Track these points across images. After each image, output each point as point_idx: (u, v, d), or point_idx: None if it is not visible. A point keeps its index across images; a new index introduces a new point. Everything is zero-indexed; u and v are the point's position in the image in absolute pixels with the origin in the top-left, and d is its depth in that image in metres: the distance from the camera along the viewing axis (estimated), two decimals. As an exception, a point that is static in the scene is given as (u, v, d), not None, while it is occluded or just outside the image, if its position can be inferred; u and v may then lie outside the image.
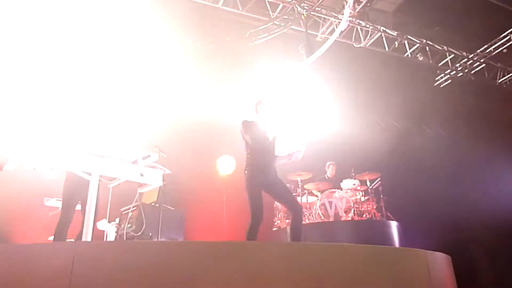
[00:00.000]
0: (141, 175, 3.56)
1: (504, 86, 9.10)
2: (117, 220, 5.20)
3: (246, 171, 4.07)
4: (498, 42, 8.27)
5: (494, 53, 8.45)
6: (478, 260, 7.57)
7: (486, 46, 8.41)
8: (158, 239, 4.71)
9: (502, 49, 8.30)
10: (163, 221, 4.86)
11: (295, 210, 4.02)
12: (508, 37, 8.13)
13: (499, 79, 9.05)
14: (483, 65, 8.75)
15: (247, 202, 4.04)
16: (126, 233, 4.61)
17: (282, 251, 2.95)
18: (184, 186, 7.17)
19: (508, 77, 9.05)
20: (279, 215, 7.32)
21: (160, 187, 4.68)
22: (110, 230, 5.30)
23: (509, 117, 8.59)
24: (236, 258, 2.73)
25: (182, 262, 2.61)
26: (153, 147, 4.96)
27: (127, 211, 4.89)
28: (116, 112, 4.98)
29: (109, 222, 5.63)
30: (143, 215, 4.56)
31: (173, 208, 5.18)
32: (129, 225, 4.67)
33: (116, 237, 4.95)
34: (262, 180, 4.01)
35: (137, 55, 6.45)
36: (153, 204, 5.03)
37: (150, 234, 4.66)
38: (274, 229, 7.29)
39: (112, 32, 6.11)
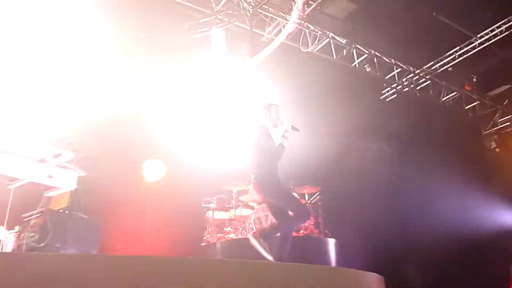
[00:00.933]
0: (50, 176, 3.36)
1: (447, 105, 9.85)
2: (17, 228, 4.83)
3: (265, 176, 4.29)
4: (444, 59, 8.94)
5: (439, 71, 9.12)
6: (413, 282, 8.04)
7: (432, 63, 9.06)
8: (66, 251, 4.44)
9: (448, 67, 8.97)
10: (74, 231, 4.59)
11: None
12: (454, 56, 8.83)
13: (443, 97, 9.77)
14: (429, 81, 9.40)
15: (275, 208, 4.32)
16: (26, 243, 4.29)
17: (209, 269, 2.89)
18: (102, 192, 6.84)
19: (452, 96, 9.80)
20: (209, 229, 7.25)
21: (72, 191, 4.43)
22: (7, 240, 4.91)
23: (452, 135, 9.27)
24: (158, 275, 2.62)
25: (92, 279, 2.47)
26: (67, 144, 4.70)
27: (30, 217, 4.55)
28: (24, 103, 4.65)
29: (8, 230, 5.22)
30: (48, 223, 4.27)
31: (86, 217, 4.92)
32: (31, 234, 4.35)
33: (13, 248, 4.59)
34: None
35: (53, 40, 6.09)
36: (62, 210, 4.74)
37: (57, 245, 4.37)
38: (202, 244, 7.21)
39: (23, 13, 5.72)
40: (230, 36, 7.49)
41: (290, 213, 4.21)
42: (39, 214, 4.41)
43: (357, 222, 8.04)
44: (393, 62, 8.88)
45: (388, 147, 10.62)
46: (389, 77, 9.11)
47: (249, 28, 7.38)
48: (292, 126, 4.52)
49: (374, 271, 4.19)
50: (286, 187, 4.57)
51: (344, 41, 8.24)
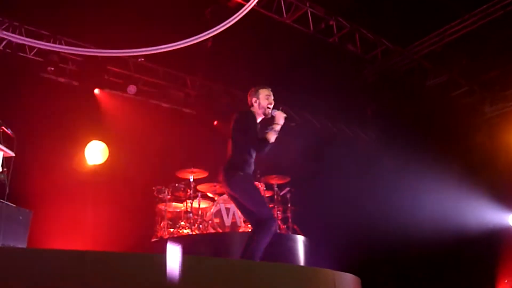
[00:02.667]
0: (-30, 156, 3.19)
1: (431, 89, 10.06)
2: None
3: (237, 169, 4.21)
4: (432, 39, 9.07)
5: (426, 51, 9.27)
6: (389, 282, 8.29)
7: (418, 42, 9.18)
8: (-12, 246, 4.27)
9: (436, 47, 9.12)
10: (-2, 222, 4.43)
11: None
12: (442, 35, 8.98)
13: (427, 81, 9.98)
14: (414, 63, 9.56)
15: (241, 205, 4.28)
16: None
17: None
18: (34, 176, 6.65)
19: (437, 80, 10.02)
20: (162, 223, 7.18)
21: (-3, 174, 4.28)
22: None
23: (437, 124, 9.51)
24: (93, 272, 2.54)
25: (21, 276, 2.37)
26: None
27: None
28: None
29: None
30: (-33, 212, 4.10)
31: (14, 205, 4.75)
32: None
33: None
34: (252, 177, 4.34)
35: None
36: (-15, 197, 4.55)
37: (-23, 239, 4.21)
38: (153, 240, 7.14)
39: None
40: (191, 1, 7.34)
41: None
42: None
43: (328, 217, 8.19)
44: (377, 39, 8.95)
45: (366, 134, 10.85)
46: (372, 56, 9.20)
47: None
48: (285, 118, 4.38)
49: (347, 271, 4.28)
50: (257, 187, 4.48)
51: (323, 12, 8.22)
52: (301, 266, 6.02)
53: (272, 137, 4.22)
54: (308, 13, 8.16)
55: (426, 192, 8.55)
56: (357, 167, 8.91)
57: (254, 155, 4.32)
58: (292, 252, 6.67)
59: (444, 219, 8.36)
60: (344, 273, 3.94)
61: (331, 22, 8.37)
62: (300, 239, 6.90)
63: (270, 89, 4.56)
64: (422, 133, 9.27)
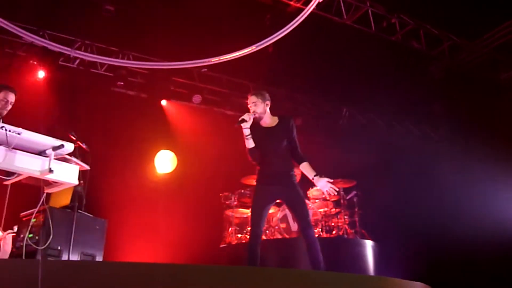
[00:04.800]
0: (50, 170, 3.43)
1: (506, 82, 9.54)
2: (15, 228, 4.97)
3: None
4: (502, 30, 8.62)
5: (496, 44, 8.81)
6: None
7: (488, 34, 8.76)
8: (69, 254, 4.55)
9: (507, 39, 8.65)
10: (77, 232, 4.71)
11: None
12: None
13: (501, 74, 9.48)
14: (484, 56, 9.12)
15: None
16: (26, 245, 4.41)
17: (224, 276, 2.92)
18: (107, 187, 7.03)
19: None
20: (230, 229, 7.32)
21: (75, 187, 4.53)
22: (4, 241, 5.06)
23: (509, 119, 9.01)
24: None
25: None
26: (68, 135, 4.80)
27: (29, 216, 4.69)
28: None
29: (4, 230, 5.38)
30: (50, 222, 4.38)
31: (91, 215, 5.03)
32: (30, 235, 4.48)
33: (12, 250, 4.74)
34: None
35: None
36: (64, 209, 4.86)
37: (59, 247, 4.51)
38: (222, 246, 7.29)
39: None
40: (250, 8, 7.45)
41: None
42: (39, 213, 4.52)
43: (398, 221, 7.98)
44: (443, 34, 8.64)
45: (435, 133, 10.46)
46: (438, 52, 8.89)
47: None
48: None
49: (418, 278, 4.17)
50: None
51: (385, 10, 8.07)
52: (367, 276, 5.90)
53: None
54: (369, 12, 8.03)
55: (498, 194, 8.11)
56: (426, 168, 8.62)
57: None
58: (360, 257, 6.59)
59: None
60: (414, 282, 3.82)
61: (393, 20, 8.19)
62: (368, 244, 6.80)
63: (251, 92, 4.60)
64: (496, 130, 8.81)
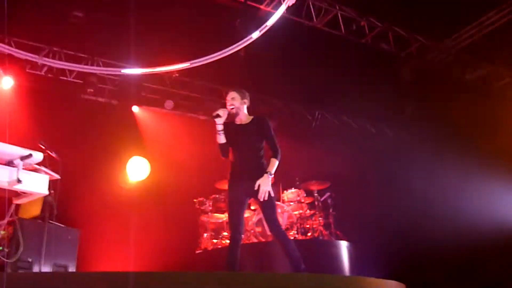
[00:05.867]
0: (19, 180, 3.37)
1: (473, 84, 9.77)
2: (-16, 240, 4.85)
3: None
4: (471, 30, 8.81)
5: (465, 43, 9.01)
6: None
7: (456, 35, 8.96)
8: (40, 266, 4.48)
9: (474, 39, 8.87)
10: (49, 242, 4.64)
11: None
12: (479, 27, 8.72)
13: (467, 75, 9.70)
14: (452, 57, 9.33)
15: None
16: (-5, 258, 4.32)
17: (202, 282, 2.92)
18: (79, 196, 6.92)
19: (477, 74, 9.72)
20: (205, 235, 7.30)
21: (45, 197, 4.47)
22: (-28, 255, 4.93)
23: (479, 122, 9.22)
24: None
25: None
26: (38, 144, 4.73)
27: (-2, 229, 4.58)
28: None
29: (-28, 243, 5.25)
30: (20, 234, 4.30)
31: (63, 226, 4.96)
32: (0, 247, 4.39)
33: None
34: None
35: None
36: (35, 219, 4.78)
37: (30, 259, 4.43)
38: (198, 251, 7.26)
39: None
40: (220, 12, 7.46)
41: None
42: (8, 224, 4.43)
43: (372, 221, 8.09)
44: (411, 36, 8.82)
45: (406, 133, 10.65)
46: (407, 53, 9.06)
47: (242, 0, 7.34)
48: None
49: (393, 277, 4.23)
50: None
51: (354, 14, 8.19)
52: (344, 276, 5.97)
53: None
54: (338, 15, 8.14)
55: (470, 193, 8.30)
56: (399, 168, 8.76)
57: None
58: (336, 258, 6.65)
59: (493, 218, 8.09)
60: (388, 280, 3.88)
61: (362, 23, 8.32)
62: (344, 245, 6.87)
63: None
64: (464, 130, 9.02)
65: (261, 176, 4.24)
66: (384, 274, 4.45)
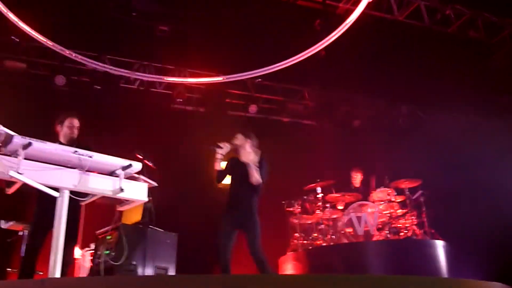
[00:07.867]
0: (121, 189, 3.61)
1: None
2: (92, 246, 5.24)
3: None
4: None
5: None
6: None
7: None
8: (144, 269, 4.74)
9: None
10: (149, 246, 4.90)
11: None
12: None
13: None
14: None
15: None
16: (104, 261, 4.64)
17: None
18: (175, 202, 7.26)
19: None
20: (296, 235, 7.35)
21: (145, 203, 4.73)
22: (84, 259, 5.35)
23: None
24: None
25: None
26: (135, 155, 5.03)
27: (105, 234, 4.93)
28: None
29: (82, 248, 5.69)
30: (124, 239, 4.60)
31: (162, 230, 5.22)
32: (107, 252, 4.70)
33: (91, 268, 4.99)
34: None
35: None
36: (136, 225, 5.07)
37: (134, 262, 4.70)
38: (289, 252, 7.32)
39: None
40: (299, 14, 7.50)
41: None
42: (114, 230, 4.76)
43: (469, 218, 7.68)
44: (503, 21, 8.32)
45: (505, 124, 9.99)
46: (499, 40, 8.55)
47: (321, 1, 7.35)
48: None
49: (495, 279, 4.01)
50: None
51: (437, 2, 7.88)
52: (440, 278, 5.71)
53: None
54: (421, 6, 7.86)
55: None
56: (496, 161, 8.24)
57: None
58: (432, 259, 6.40)
59: None
60: (493, 283, 3.66)
61: (447, 12, 7.97)
62: (439, 245, 6.60)
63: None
64: None
65: (247, 205, 4.74)
66: (485, 275, 4.22)
